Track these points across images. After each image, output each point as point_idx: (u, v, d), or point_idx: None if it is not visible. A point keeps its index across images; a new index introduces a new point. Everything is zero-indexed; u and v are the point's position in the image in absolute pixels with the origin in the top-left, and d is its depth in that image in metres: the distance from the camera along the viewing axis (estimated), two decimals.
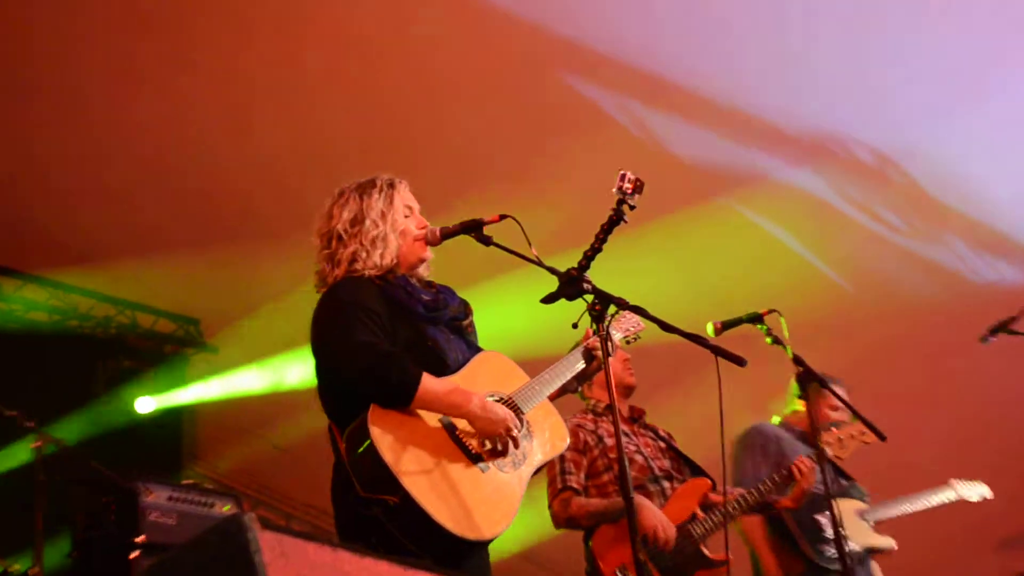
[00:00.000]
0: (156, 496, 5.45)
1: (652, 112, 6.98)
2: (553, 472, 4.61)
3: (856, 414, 4.58)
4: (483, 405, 3.20)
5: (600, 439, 4.66)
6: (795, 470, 4.65)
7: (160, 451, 8.58)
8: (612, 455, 4.54)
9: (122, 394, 8.65)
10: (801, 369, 4.02)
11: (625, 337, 3.98)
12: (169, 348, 9.14)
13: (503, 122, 7.03)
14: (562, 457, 4.59)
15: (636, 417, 4.89)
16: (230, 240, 7.56)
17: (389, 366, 3.10)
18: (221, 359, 9.10)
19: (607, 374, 3.07)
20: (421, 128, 7.08)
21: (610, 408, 4.68)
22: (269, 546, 1.40)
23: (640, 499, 4.42)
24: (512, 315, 6.38)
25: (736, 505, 4.55)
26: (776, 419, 5.52)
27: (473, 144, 7.17)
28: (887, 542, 5.31)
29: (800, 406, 5.51)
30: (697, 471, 4.72)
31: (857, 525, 5.30)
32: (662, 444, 4.80)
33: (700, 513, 4.50)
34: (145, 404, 8.70)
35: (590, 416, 4.81)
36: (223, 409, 8.93)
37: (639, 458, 4.64)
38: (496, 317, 6.20)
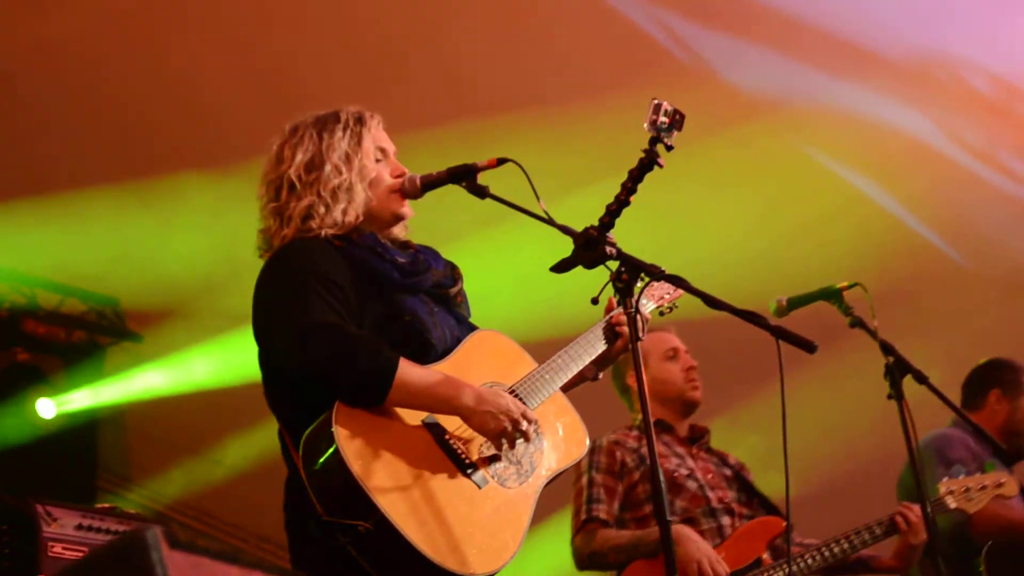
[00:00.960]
0: (61, 524, 5.47)
1: (697, 27, 6.94)
2: (579, 501, 4.68)
3: (974, 426, 4.54)
4: (478, 396, 3.19)
5: (643, 460, 4.68)
6: (900, 520, 4.62)
7: (68, 467, 8.62)
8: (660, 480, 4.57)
9: (18, 395, 8.68)
10: (891, 359, 4.01)
11: (658, 307, 3.98)
12: (79, 336, 9.17)
13: (508, 40, 7.00)
14: (591, 482, 4.66)
15: (696, 437, 4.91)
16: (157, 192, 7.56)
17: (355, 351, 3.09)
18: (147, 350, 9.12)
19: (636, 364, 3.07)
20: (405, 45, 7.05)
21: (659, 424, 4.74)
22: (180, 570, 1.41)
23: (679, 528, 4.44)
24: (514, 286, 6.38)
25: (818, 556, 4.53)
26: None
27: (472, 69, 7.14)
28: None
29: (995, 403, 5.54)
30: (770, 510, 4.73)
31: None
32: (727, 472, 4.83)
33: (767, 559, 4.52)
34: (47, 408, 8.73)
35: (635, 434, 4.84)
36: (150, 414, 8.96)
37: (691, 484, 4.68)
38: (493, 288, 6.21)
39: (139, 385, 8.98)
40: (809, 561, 4.53)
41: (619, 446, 4.74)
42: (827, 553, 4.54)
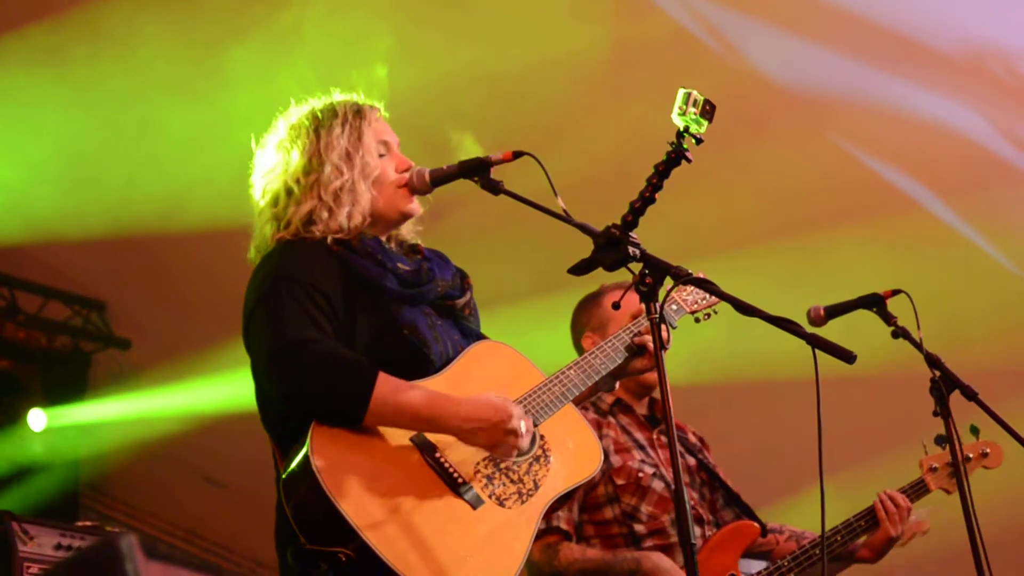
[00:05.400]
0: (38, 543, 5.48)
1: (732, 15, 6.91)
2: None
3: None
4: (466, 414, 3.16)
5: (605, 455, 4.56)
6: (879, 507, 4.60)
7: (49, 483, 8.63)
8: (620, 481, 4.48)
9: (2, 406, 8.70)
10: (938, 373, 3.97)
11: (694, 312, 3.94)
12: (62, 342, 9.20)
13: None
14: None
15: (660, 418, 4.68)
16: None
17: (329, 371, 3.09)
18: (135, 357, 9.14)
19: (660, 374, 3.04)
20: None
21: (618, 404, 4.61)
22: None
23: (656, 560, 4.29)
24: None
25: (796, 561, 4.49)
26: None
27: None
28: None
29: None
30: (742, 509, 4.61)
31: None
32: (691, 461, 4.66)
33: (740, 573, 4.43)
34: (38, 420, 8.74)
35: (591, 415, 4.63)
36: (137, 427, 8.97)
37: (657, 485, 4.49)
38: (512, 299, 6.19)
39: (125, 395, 8.98)
40: (788, 564, 4.48)
41: None
42: (813, 555, 4.48)
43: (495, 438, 3.16)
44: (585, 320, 4.72)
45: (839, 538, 4.57)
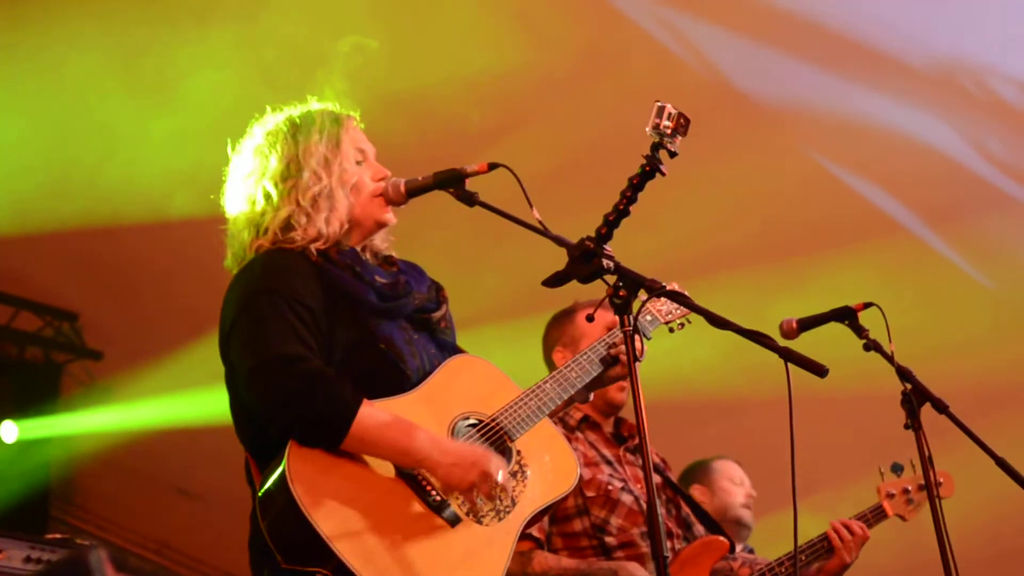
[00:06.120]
0: (8, 556, 5.46)
1: (703, 26, 6.93)
2: None
3: (1000, 462, 4.49)
4: (444, 449, 3.15)
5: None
6: (833, 536, 4.65)
7: (19, 494, 8.58)
8: (590, 493, 4.47)
9: None
10: (909, 386, 3.98)
11: (668, 323, 3.95)
12: (33, 353, 9.15)
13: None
14: None
15: (625, 436, 4.71)
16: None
17: (312, 391, 3.06)
18: (106, 368, 9.09)
19: (634, 385, 3.04)
20: None
21: (585, 420, 4.60)
22: None
23: (632, 570, 4.29)
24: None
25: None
26: None
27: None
28: None
29: None
30: (709, 525, 4.62)
31: None
32: (657, 479, 4.60)
33: None
34: (9, 431, 8.68)
35: (560, 430, 4.64)
36: (109, 438, 8.93)
37: (627, 499, 4.49)
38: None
39: (97, 407, 8.94)
40: None
41: None
42: (779, 571, 4.54)
43: (471, 477, 3.14)
44: (557, 335, 4.73)
45: (803, 557, 4.61)
